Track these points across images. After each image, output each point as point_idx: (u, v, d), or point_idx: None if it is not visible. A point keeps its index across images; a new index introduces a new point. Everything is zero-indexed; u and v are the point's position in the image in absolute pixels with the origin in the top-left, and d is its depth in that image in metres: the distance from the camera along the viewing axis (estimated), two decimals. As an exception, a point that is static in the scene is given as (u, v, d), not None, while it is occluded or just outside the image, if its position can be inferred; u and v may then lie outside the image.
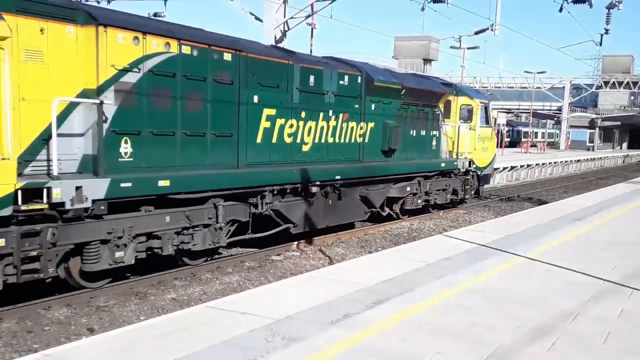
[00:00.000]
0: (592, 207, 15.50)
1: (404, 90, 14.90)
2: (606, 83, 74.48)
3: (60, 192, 7.34)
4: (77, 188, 7.50)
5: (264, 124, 10.90)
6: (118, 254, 8.33)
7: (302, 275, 7.77)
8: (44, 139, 7.44)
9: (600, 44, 21.83)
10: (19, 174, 6.96)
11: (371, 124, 13.93)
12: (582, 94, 69.99)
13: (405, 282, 7.29)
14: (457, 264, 8.41)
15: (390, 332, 5.51)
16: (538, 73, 58.29)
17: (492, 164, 20.41)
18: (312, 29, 20.53)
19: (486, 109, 18.98)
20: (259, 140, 10.82)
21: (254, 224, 11.02)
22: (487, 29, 19.56)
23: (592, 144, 66.28)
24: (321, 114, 12.32)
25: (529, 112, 64.68)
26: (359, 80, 13.38)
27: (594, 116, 69.73)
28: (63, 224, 7.56)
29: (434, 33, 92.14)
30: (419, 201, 16.22)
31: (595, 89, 73.48)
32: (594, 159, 49.07)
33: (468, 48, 39.90)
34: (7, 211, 6.81)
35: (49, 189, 7.20)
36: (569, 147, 61.11)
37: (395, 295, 6.66)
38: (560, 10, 18.51)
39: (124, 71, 8.28)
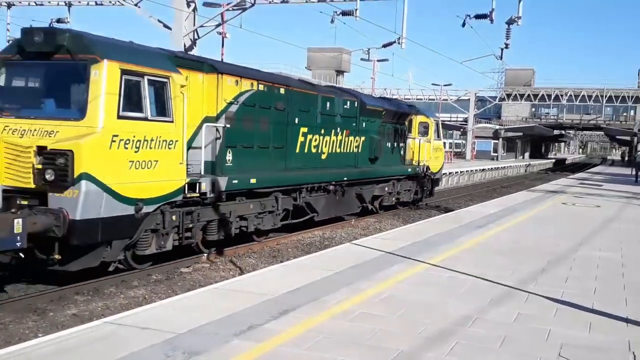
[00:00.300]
0: (495, 215, 16.12)
1: (384, 112, 19.15)
2: (509, 95, 78.05)
3: (205, 186, 10.98)
4: (213, 183, 11.22)
5: (300, 138, 14.67)
6: (226, 229, 12.20)
7: (208, 287, 7.62)
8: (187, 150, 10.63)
9: (501, 58, 22.82)
10: None
11: (363, 138, 17.85)
12: (486, 105, 72.96)
13: (312, 291, 7.31)
14: (364, 271, 8.51)
15: (294, 341, 5.49)
16: (445, 86, 60.40)
17: (442, 169, 25.41)
18: (222, 38, 20.41)
19: (437, 125, 23.59)
20: (297, 150, 14.55)
21: (293, 213, 14.90)
22: (395, 42, 20.06)
23: (496, 154, 69.11)
24: (333, 131, 16.13)
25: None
26: (356, 105, 17.35)
27: (497, 127, 72.74)
28: (204, 207, 11.33)
29: (346, 45, 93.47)
30: (393, 199, 20.55)
31: (499, 101, 76.91)
32: (498, 168, 51.16)
33: (378, 60, 40.77)
34: (180, 198, 10.47)
35: (199, 184, 10.83)
36: (475, 157, 63.38)
37: (301, 305, 6.65)
38: (463, 25, 19.25)
39: (230, 104, 11.85)
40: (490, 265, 9.25)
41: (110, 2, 21.35)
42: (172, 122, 10.18)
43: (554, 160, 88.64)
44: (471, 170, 42.17)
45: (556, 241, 11.89)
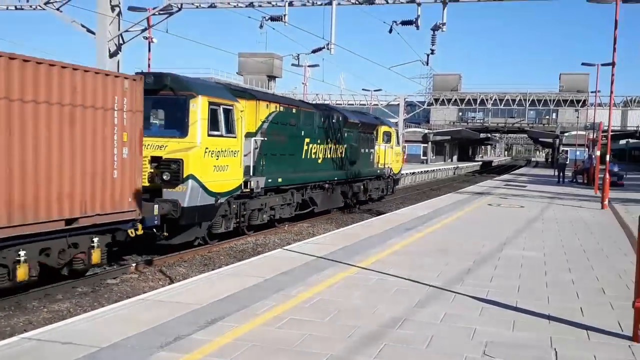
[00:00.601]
0: (424, 217, 16.42)
1: (359, 124, 23.77)
2: (437, 100, 79.96)
3: (253, 183, 15.00)
4: (257, 182, 15.24)
5: (305, 147, 18.78)
6: (261, 218, 16.19)
7: (135, 298, 7.41)
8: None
9: (427, 64, 23.30)
10: None
11: (345, 146, 22.23)
12: (415, 110, 74.49)
13: (241, 298, 7.22)
14: (295, 277, 8.49)
15: (222, 351, 5.41)
16: (375, 91, 61.21)
17: (401, 171, 31.19)
18: (149, 42, 20.01)
19: (397, 133, 29.10)
20: (303, 156, 18.71)
21: (300, 205, 19.12)
22: (324, 48, 20.17)
23: (425, 157, 70.59)
24: (325, 140, 20.43)
25: (369, 128, 67.32)
26: (340, 119, 21.83)
27: (426, 131, 74.40)
28: (251, 199, 15.46)
29: (276, 50, 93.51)
30: (366, 195, 24.85)
31: (427, 105, 78.65)
32: (428, 171, 52.23)
33: (309, 66, 40.91)
34: (238, 192, 14.49)
35: (250, 182, 14.85)
36: (405, 160, 64.43)
37: (230, 313, 6.56)
38: (390, 31, 19.54)
39: (263, 122, 15.89)
40: (419, 267, 9.40)
41: (31, 6, 20.56)
42: (235, 137, 14.24)
43: (481, 163, 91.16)
44: (402, 174, 42.80)
45: (482, 241, 12.21)
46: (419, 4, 19.52)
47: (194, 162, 12.75)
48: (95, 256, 10.66)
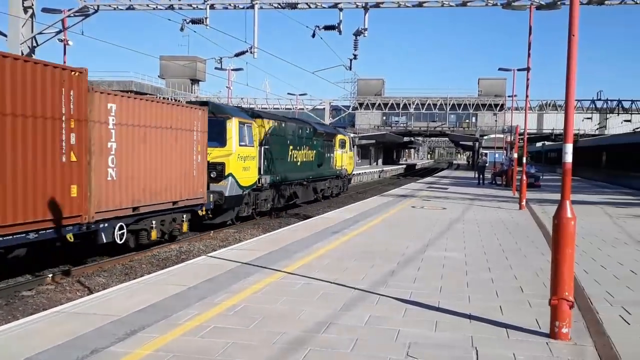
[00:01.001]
0: (350, 220, 16.53)
1: (324, 134, 30.23)
2: (361, 104, 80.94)
3: (263, 180, 20.97)
4: (265, 179, 21.02)
5: (290, 152, 24.38)
6: (265, 206, 21.96)
7: (50, 311, 7.05)
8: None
9: (350, 68, 23.52)
10: None
11: (314, 151, 28.19)
12: (341, 114, 75.09)
13: (163, 308, 7.01)
14: (219, 284, 8.34)
15: (142, 363, 5.22)
16: (300, 95, 61.33)
17: (353, 171, 40.19)
18: (64, 45, 19.26)
19: (351, 140, 37.07)
20: (289, 160, 24.23)
21: (288, 198, 25.00)
22: (247, 51, 20.04)
23: (352, 161, 71.03)
24: (303, 147, 26.30)
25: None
26: (311, 130, 27.81)
27: (352, 135, 75.08)
28: (261, 192, 21.31)
29: (199, 54, 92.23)
30: (329, 191, 31.72)
31: (352, 110, 79.43)
32: (354, 174, 52.68)
33: (233, 69, 40.53)
34: (255, 186, 20.47)
35: (260, 179, 20.76)
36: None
37: (151, 324, 6.36)
38: (313, 36, 19.62)
39: (266, 134, 21.44)
40: (345, 270, 9.42)
41: None
42: (253, 146, 20.35)
43: (405, 166, 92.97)
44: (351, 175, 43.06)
45: (406, 243, 12.39)
46: (340, 9, 19.71)
47: (232, 164, 18.73)
48: (185, 227, 16.45)
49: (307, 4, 19.87)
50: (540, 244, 12.78)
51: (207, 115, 17.01)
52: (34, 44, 17.50)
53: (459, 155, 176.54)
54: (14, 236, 10.58)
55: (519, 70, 35.85)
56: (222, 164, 18.30)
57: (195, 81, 77.84)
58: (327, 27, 19.41)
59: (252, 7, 19.40)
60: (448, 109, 79.47)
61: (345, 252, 11.21)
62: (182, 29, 19.33)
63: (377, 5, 19.71)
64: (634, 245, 12.79)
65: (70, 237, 12.27)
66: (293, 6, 19.50)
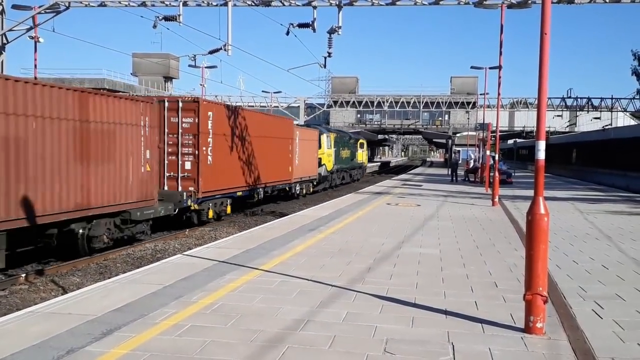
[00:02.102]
0: (326, 217, 16.57)
1: (353, 139, 47.46)
2: (335, 102, 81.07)
3: (334, 168, 39.51)
4: (335, 167, 40.04)
5: (341, 152, 41.89)
6: (333, 183, 40.44)
7: (23, 311, 6.96)
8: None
9: (325, 66, 23.55)
10: None
11: (350, 151, 45.49)
12: (316, 112, 75.15)
13: (139, 307, 6.97)
14: (196, 283, 8.30)
15: (120, 363, 5.18)
16: (274, 93, 61.20)
17: (367, 164, 59.22)
18: (35, 42, 18.97)
19: (365, 142, 55.66)
20: (342, 156, 42.35)
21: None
22: (221, 49, 19.93)
23: (327, 159, 71.12)
24: (345, 148, 44.74)
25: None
26: (347, 137, 45.86)
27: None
28: (332, 174, 39.56)
29: (173, 51, 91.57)
30: (356, 176, 49.63)
31: (327, 107, 79.51)
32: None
33: (206, 67, 40.31)
34: (332, 171, 38.73)
35: (333, 167, 39.19)
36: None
37: (127, 323, 6.31)
38: (287, 33, 19.59)
39: (333, 142, 39.03)
40: (322, 267, 9.45)
41: None
42: (331, 148, 37.69)
43: (379, 164, 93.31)
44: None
45: (382, 240, 12.46)
46: (314, 7, 19.71)
47: (324, 159, 35.96)
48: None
49: (281, 1, 19.84)
50: (513, 240, 12.95)
51: (304, 127, 34.45)
52: (4, 41, 17.18)
53: (432, 153, 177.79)
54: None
55: (490, 68, 36.10)
56: (320, 159, 35.53)
57: (168, 79, 77.25)
58: (301, 25, 19.38)
59: (226, 4, 19.30)
60: (421, 107, 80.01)
61: (322, 249, 11.24)
62: (155, 26, 19.13)
63: (350, 4, 19.75)
64: (605, 241, 13.03)
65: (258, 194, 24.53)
66: (267, 4, 19.44)
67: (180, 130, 18.03)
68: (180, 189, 17.99)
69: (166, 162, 17.94)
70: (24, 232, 12.20)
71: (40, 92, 12.00)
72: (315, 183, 34.33)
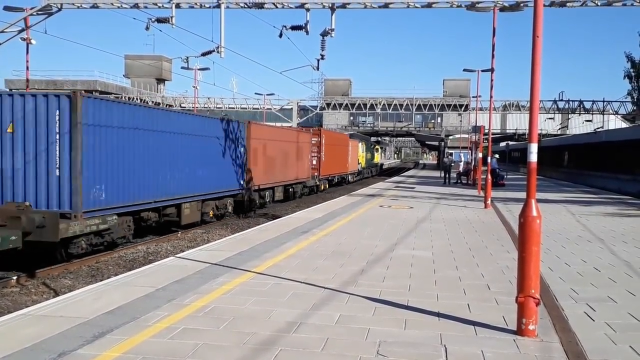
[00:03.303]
0: (319, 220, 16.57)
1: (372, 143, 71.97)
2: (329, 105, 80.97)
3: (365, 165, 62.14)
4: (364, 165, 62.11)
5: (366, 152, 64.68)
6: (364, 176, 62.18)
7: (15, 314, 6.91)
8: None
9: (318, 69, 23.53)
10: None
11: (370, 153, 68.83)
12: (309, 114, 75.13)
13: (131, 310, 6.94)
14: (188, 285, 8.28)
15: (112, 366, 5.16)
16: (267, 95, 61.19)
17: (382, 162, 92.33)
18: (27, 44, 18.88)
19: (380, 145, 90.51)
20: (368, 157, 66.57)
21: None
22: (214, 51, 19.89)
23: (320, 161, 71.21)
24: (369, 151, 69.78)
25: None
26: (369, 142, 69.32)
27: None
28: (363, 170, 61.75)
29: (165, 53, 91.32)
30: (374, 173, 70.70)
31: (320, 110, 79.48)
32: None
33: (199, 69, 40.22)
34: (365, 167, 61.40)
35: (364, 165, 61.26)
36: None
37: (119, 326, 6.29)
38: (280, 35, 19.56)
39: (364, 148, 61.87)
40: (315, 270, 9.44)
41: None
42: (363, 153, 58.18)
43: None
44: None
45: (374, 242, 12.47)
46: (307, 9, 19.72)
47: (360, 159, 56.02)
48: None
49: (274, 3, 19.84)
50: (505, 242, 12.98)
51: (352, 138, 51.83)
52: (-5, 43, 17.14)
53: (425, 155, 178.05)
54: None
55: (483, 71, 36.19)
56: (359, 159, 52.79)
57: (161, 81, 77.09)
58: (294, 27, 19.36)
59: (219, 6, 19.28)
60: (414, 110, 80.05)
61: (315, 251, 11.23)
62: (147, 28, 19.07)
63: (343, 6, 19.78)
64: (597, 243, 13.08)
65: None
66: (260, 6, 19.45)
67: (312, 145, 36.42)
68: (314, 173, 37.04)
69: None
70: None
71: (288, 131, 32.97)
72: (356, 174, 53.78)
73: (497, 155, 26.48)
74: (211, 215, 20.95)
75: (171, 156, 17.42)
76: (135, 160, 15.62)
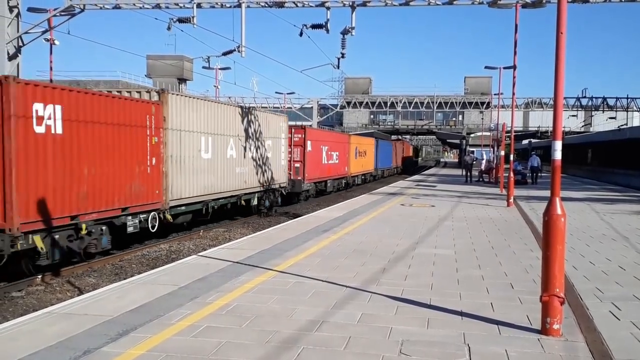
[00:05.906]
0: (340, 218, 16.55)
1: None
2: (349, 103, 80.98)
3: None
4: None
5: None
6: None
7: (41, 311, 7.00)
8: None
9: (338, 67, 23.48)
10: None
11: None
12: (329, 113, 75.11)
13: (155, 308, 7.00)
14: (211, 283, 8.32)
15: (136, 363, 5.20)
16: (288, 94, 61.26)
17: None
18: (50, 45, 19.12)
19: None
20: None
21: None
22: (235, 50, 19.96)
23: (340, 160, 71.19)
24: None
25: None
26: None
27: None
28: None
29: (186, 53, 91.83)
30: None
31: (340, 108, 79.50)
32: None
33: (220, 69, 40.41)
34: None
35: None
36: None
37: (143, 324, 6.34)
38: (301, 34, 19.59)
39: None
40: (336, 268, 9.44)
41: None
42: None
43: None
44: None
45: (396, 241, 12.43)
46: (328, 8, 19.70)
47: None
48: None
49: (294, 2, 19.85)
50: (529, 241, 12.86)
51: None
52: (20, 44, 17.34)
53: (446, 153, 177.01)
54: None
55: (505, 68, 35.99)
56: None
57: (182, 80, 77.53)
58: (314, 26, 19.36)
59: (240, 5, 19.34)
60: (435, 107, 79.71)
61: (337, 250, 11.23)
62: (169, 28, 19.21)
63: (364, 4, 19.72)
64: (621, 241, 12.91)
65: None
66: (280, 5, 19.47)
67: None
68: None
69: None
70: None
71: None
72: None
73: (539, 151, 25.94)
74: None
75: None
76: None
